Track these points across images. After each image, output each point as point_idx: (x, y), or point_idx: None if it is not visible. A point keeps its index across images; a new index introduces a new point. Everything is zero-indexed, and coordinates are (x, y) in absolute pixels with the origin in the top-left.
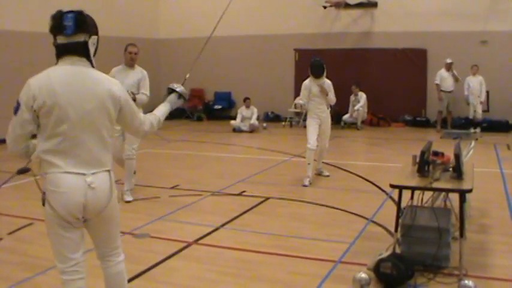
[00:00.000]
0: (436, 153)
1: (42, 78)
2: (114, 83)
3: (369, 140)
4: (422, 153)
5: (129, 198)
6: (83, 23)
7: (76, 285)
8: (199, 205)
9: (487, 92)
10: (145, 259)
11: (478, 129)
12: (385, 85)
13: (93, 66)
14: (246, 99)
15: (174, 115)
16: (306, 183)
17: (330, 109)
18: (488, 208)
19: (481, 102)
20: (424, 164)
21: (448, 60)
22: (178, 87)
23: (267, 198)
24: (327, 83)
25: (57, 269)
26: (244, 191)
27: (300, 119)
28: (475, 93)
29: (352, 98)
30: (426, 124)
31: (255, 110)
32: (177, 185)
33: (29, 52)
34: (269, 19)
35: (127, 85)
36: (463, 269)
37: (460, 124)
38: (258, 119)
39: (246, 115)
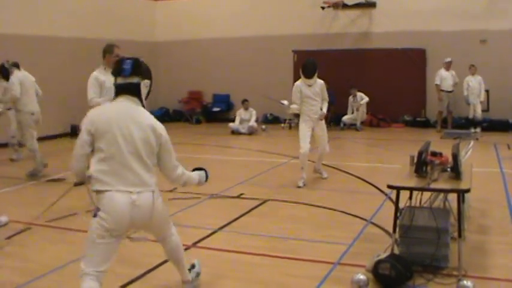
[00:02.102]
0: (434, 154)
1: (101, 109)
2: (159, 124)
3: (369, 141)
4: (420, 153)
5: None
6: (138, 67)
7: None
8: (198, 208)
9: (487, 92)
10: (144, 263)
11: (478, 129)
12: (385, 85)
13: (143, 106)
14: (244, 101)
15: (172, 118)
16: (300, 184)
17: (327, 111)
18: (488, 208)
19: (480, 102)
20: (422, 164)
21: (447, 59)
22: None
23: (266, 201)
24: (319, 82)
25: (81, 270)
26: (242, 194)
27: (298, 120)
28: (475, 92)
29: (350, 99)
30: (426, 124)
31: (254, 112)
32: (175, 188)
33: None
34: (267, 20)
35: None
36: (462, 269)
37: (461, 124)
38: (256, 121)
39: (245, 117)
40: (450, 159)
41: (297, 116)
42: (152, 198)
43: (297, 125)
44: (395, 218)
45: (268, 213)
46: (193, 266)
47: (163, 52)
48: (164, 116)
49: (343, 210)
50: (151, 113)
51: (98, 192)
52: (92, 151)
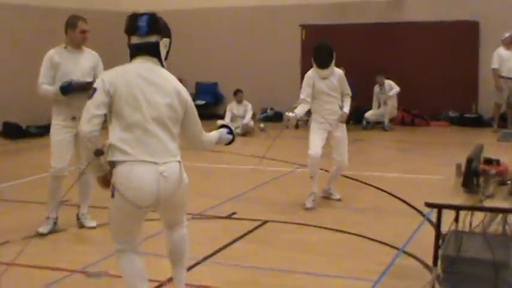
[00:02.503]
0: (489, 161)
1: (118, 69)
2: (182, 86)
3: (400, 145)
4: (470, 160)
5: (93, 224)
6: (156, 24)
7: (134, 263)
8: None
9: None
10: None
11: None
12: (422, 71)
13: (163, 66)
14: (237, 92)
15: None
16: (309, 204)
17: (346, 107)
18: None
19: None
20: (472, 175)
21: (507, 34)
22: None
23: (265, 222)
24: (337, 73)
25: (114, 248)
26: (234, 213)
27: (308, 117)
28: None
29: (376, 89)
30: (478, 122)
31: (249, 106)
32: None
33: None
34: None
35: (79, 73)
36: None
37: None
38: (253, 117)
39: (238, 113)
40: (511, 168)
41: (308, 113)
42: (180, 169)
43: (306, 123)
44: (437, 246)
45: (268, 238)
46: None
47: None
48: None
49: (366, 235)
50: None
51: (118, 163)
52: (110, 117)
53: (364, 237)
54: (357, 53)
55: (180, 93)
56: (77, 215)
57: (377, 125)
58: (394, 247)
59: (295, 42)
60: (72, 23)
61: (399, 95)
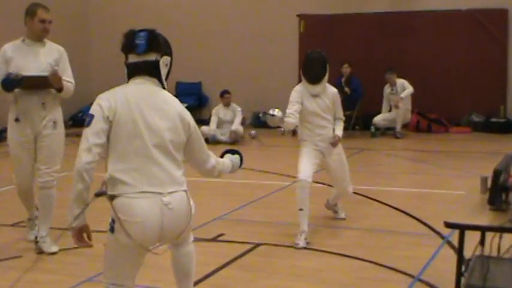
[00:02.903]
0: None
1: (117, 92)
2: (185, 110)
3: (415, 154)
4: (497, 173)
5: (55, 249)
6: (155, 41)
7: None
8: (152, 257)
9: None
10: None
11: None
12: (440, 69)
13: (164, 88)
14: (224, 94)
15: None
16: (301, 243)
17: (339, 130)
18: None
19: None
20: (500, 190)
21: None
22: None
23: (257, 245)
24: (332, 91)
25: (103, 283)
26: (222, 234)
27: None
28: None
29: (387, 89)
30: (507, 128)
31: (239, 110)
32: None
33: None
34: None
35: (33, 69)
36: None
37: None
38: (243, 123)
39: (225, 117)
40: None
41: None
42: (187, 199)
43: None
44: (459, 274)
45: (261, 264)
46: None
47: (99, 17)
48: None
49: (375, 260)
50: (82, 112)
51: (116, 197)
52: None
53: (373, 262)
54: (364, 48)
55: (183, 117)
56: (35, 238)
57: (387, 131)
58: (409, 275)
59: (292, 36)
60: (30, 10)
61: (413, 97)
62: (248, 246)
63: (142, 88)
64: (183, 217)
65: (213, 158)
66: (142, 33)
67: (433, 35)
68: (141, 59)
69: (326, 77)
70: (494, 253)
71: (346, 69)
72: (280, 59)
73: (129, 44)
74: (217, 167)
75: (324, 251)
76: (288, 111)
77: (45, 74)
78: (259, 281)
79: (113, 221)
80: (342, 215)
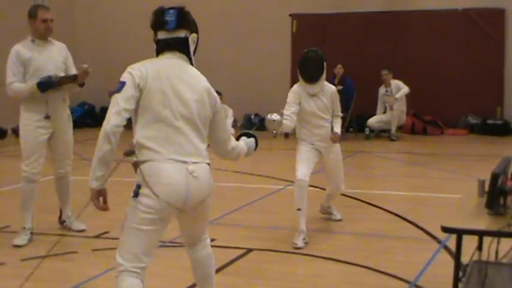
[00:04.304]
0: None
1: (147, 63)
2: (211, 87)
3: (411, 157)
4: (495, 176)
5: (83, 226)
6: (185, 19)
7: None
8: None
9: None
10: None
11: None
12: (436, 70)
13: (192, 64)
14: None
15: (99, 120)
16: (299, 242)
17: (337, 128)
18: None
19: None
20: (499, 193)
21: None
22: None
23: (249, 251)
24: (330, 90)
25: (118, 267)
26: (213, 239)
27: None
28: None
29: (381, 90)
30: (505, 130)
31: (230, 111)
32: (106, 232)
33: None
34: None
35: (52, 68)
36: None
37: None
38: (234, 125)
39: None
40: None
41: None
42: (210, 171)
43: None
44: (456, 279)
45: (253, 270)
46: None
47: (83, 9)
48: (86, 116)
49: (370, 265)
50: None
51: (143, 162)
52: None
53: (367, 268)
54: (358, 48)
55: (210, 92)
56: (59, 219)
57: (382, 133)
58: (405, 280)
59: (285, 36)
60: (32, 12)
61: (408, 98)
62: (240, 252)
63: (172, 62)
64: (206, 186)
65: (233, 141)
66: (172, 11)
67: (428, 35)
68: (170, 36)
69: (324, 76)
70: (492, 258)
71: (339, 69)
72: (272, 59)
73: (159, 20)
74: (236, 149)
75: (317, 256)
76: (284, 113)
77: (75, 72)
78: (251, 287)
79: (138, 186)
80: (338, 216)
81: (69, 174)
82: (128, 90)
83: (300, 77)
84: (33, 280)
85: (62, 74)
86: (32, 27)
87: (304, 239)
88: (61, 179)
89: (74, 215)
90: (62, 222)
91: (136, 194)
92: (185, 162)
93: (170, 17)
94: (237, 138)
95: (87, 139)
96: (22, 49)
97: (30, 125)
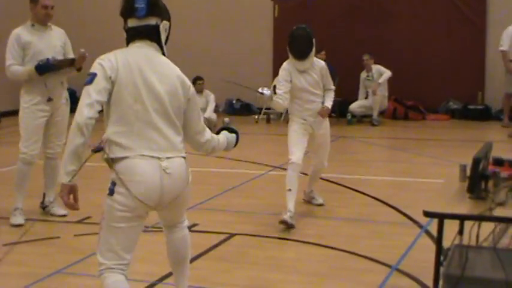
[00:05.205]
0: (499, 162)
1: (117, 53)
2: (184, 76)
3: (392, 142)
4: (477, 161)
5: (64, 211)
6: (155, 6)
7: (120, 285)
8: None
9: None
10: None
11: None
12: (417, 54)
13: (163, 54)
14: (196, 80)
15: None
16: (286, 218)
17: (328, 101)
18: None
19: None
20: (480, 178)
21: None
22: (231, 125)
23: (231, 236)
24: (319, 65)
25: (100, 266)
26: (196, 224)
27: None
28: None
29: (362, 75)
30: (485, 115)
31: (212, 96)
32: (88, 217)
33: None
34: None
35: (51, 52)
36: None
37: None
38: (216, 110)
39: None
40: None
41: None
42: (185, 165)
43: (280, 118)
44: (437, 264)
45: (236, 255)
46: None
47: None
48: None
49: (352, 250)
50: None
51: (116, 160)
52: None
53: (350, 252)
54: (340, 34)
55: (183, 80)
56: (41, 203)
57: (364, 119)
58: (387, 265)
59: (266, 21)
60: None
61: (390, 83)
62: (223, 236)
63: (142, 52)
64: (181, 182)
65: (208, 133)
66: None
67: (410, 20)
68: (141, 23)
69: (313, 53)
70: (473, 242)
71: (322, 56)
72: (254, 44)
73: (129, 7)
74: (211, 142)
75: (300, 241)
76: (277, 92)
77: (73, 57)
78: (234, 271)
79: (113, 183)
80: (320, 200)
81: (59, 158)
82: (100, 82)
83: (289, 54)
84: (15, 265)
85: (60, 58)
86: (32, 12)
87: (291, 217)
88: (49, 161)
89: (56, 200)
90: (43, 207)
91: (111, 192)
92: (158, 158)
93: (140, 4)
94: (217, 133)
95: (69, 124)
96: (22, 33)
97: (30, 107)
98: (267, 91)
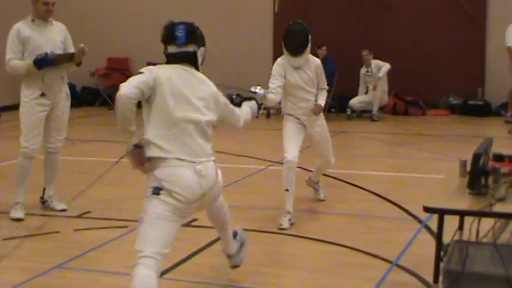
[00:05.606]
0: (499, 157)
1: (162, 68)
2: (218, 91)
3: (392, 138)
4: (477, 157)
5: (64, 206)
6: (194, 34)
7: (149, 280)
8: (122, 243)
9: None
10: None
11: None
12: (417, 49)
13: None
14: None
15: (81, 99)
16: (285, 223)
17: (321, 100)
18: None
19: None
20: (480, 174)
21: None
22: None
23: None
24: (314, 63)
25: (137, 254)
26: (195, 219)
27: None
28: None
29: (362, 71)
30: (486, 111)
31: None
32: (88, 212)
33: None
34: None
35: (50, 47)
36: None
37: None
38: None
39: None
40: None
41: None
42: (215, 168)
43: (280, 113)
44: (438, 259)
45: None
46: (235, 234)
47: None
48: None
49: (352, 245)
50: None
51: (156, 159)
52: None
53: (350, 248)
54: (340, 29)
55: (217, 99)
56: (41, 198)
57: (364, 114)
58: (387, 260)
59: (267, 15)
60: None
61: (390, 78)
62: None
63: (183, 70)
64: (213, 183)
65: (241, 118)
66: (182, 26)
67: (410, 15)
68: (180, 50)
69: (308, 49)
70: (473, 238)
71: (323, 51)
72: (254, 39)
73: (169, 35)
74: (246, 121)
75: (300, 236)
76: (270, 86)
77: (72, 51)
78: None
79: (157, 188)
80: (321, 196)
81: (59, 153)
82: (144, 78)
83: (284, 50)
84: (15, 260)
85: (59, 52)
86: (33, 7)
87: (290, 220)
88: (50, 155)
89: (56, 195)
90: (43, 202)
91: (157, 193)
92: (193, 162)
93: (180, 33)
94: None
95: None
96: (22, 27)
97: (30, 102)
98: (260, 90)
